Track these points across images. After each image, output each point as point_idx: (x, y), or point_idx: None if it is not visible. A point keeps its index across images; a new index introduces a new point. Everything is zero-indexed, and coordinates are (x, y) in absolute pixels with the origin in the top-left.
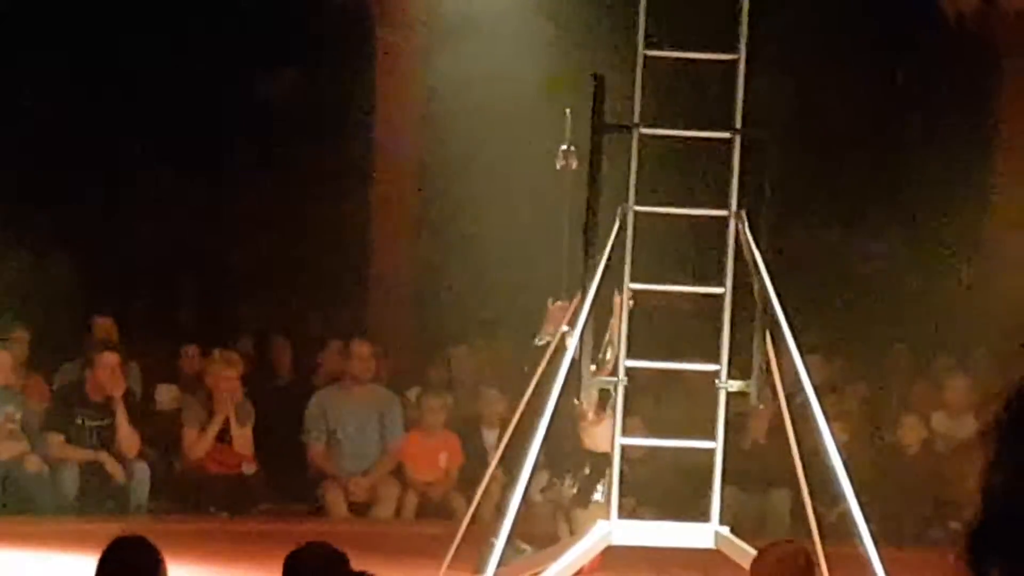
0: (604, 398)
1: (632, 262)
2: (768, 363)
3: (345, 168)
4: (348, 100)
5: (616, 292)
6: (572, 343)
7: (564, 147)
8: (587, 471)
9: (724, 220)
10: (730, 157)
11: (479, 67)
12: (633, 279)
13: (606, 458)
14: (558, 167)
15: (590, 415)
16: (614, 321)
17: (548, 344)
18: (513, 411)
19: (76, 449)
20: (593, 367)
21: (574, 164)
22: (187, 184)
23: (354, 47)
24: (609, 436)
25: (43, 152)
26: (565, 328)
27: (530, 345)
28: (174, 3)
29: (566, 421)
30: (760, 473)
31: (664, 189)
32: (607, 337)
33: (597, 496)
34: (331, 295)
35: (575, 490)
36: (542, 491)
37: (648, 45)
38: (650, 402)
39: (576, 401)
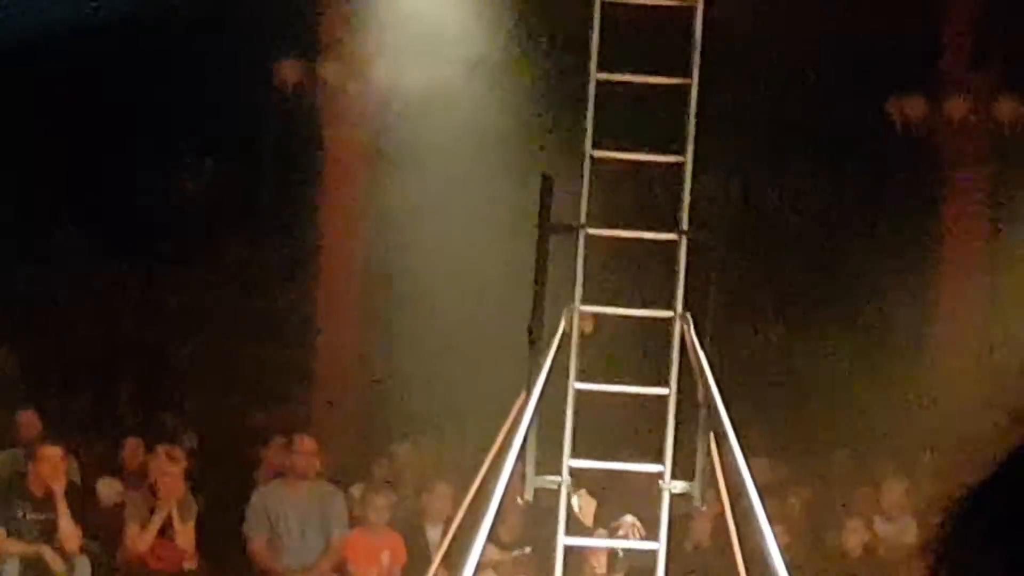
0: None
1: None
2: (712, 465)
3: (289, 263)
4: (294, 196)
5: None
6: (516, 442)
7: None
8: None
9: (669, 321)
10: (676, 258)
11: (427, 165)
12: (579, 378)
13: None
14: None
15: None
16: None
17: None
18: (457, 508)
19: (17, 543)
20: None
21: None
22: (129, 278)
23: (300, 144)
24: None
25: None
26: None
27: (474, 444)
28: (117, 94)
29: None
30: (703, 575)
31: (611, 288)
32: None
33: None
34: (275, 390)
35: None
36: None
37: (596, 145)
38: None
39: (519, 500)
